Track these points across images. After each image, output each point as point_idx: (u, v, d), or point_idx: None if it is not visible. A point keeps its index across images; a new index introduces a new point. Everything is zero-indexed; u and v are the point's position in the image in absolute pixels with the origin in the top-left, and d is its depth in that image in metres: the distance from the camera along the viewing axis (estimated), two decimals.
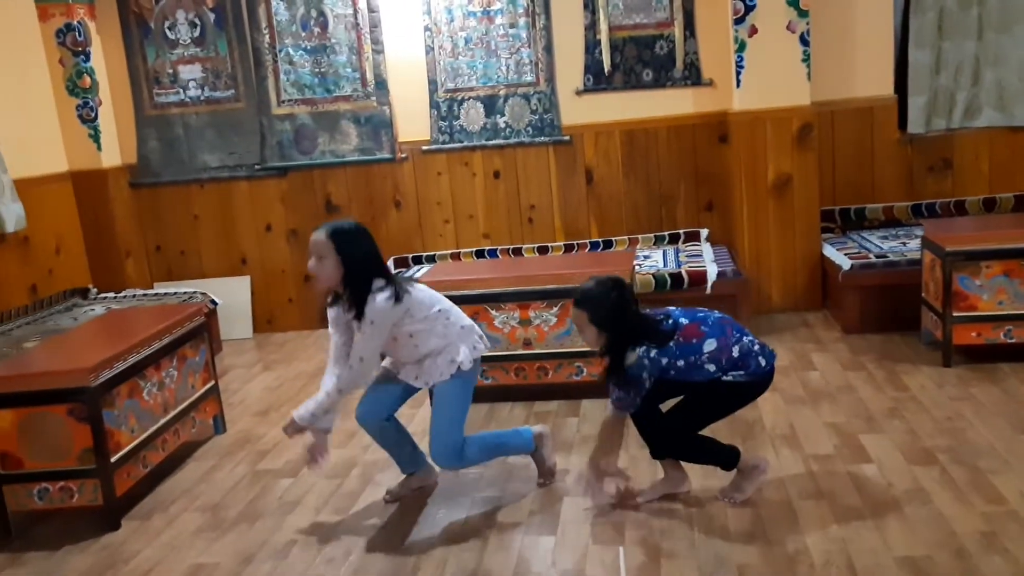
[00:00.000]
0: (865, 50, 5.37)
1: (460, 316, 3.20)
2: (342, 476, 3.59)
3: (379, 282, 2.99)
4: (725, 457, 3.09)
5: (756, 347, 2.99)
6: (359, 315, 2.98)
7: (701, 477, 3.25)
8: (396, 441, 3.34)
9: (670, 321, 2.95)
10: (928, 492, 3.02)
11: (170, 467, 3.78)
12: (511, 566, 2.80)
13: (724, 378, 2.94)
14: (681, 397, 3.07)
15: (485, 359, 4.11)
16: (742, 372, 2.95)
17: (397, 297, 2.99)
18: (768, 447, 3.47)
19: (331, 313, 3.14)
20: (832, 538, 2.78)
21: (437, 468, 3.37)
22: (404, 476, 3.40)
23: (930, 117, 5.38)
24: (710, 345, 2.91)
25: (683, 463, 3.17)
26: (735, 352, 2.94)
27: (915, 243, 4.85)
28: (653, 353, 2.88)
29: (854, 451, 3.39)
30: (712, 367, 2.92)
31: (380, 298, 2.95)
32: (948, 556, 2.63)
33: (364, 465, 3.68)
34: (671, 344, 2.90)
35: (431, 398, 3.25)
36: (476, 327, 3.23)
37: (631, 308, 2.95)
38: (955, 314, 4.14)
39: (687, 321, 2.95)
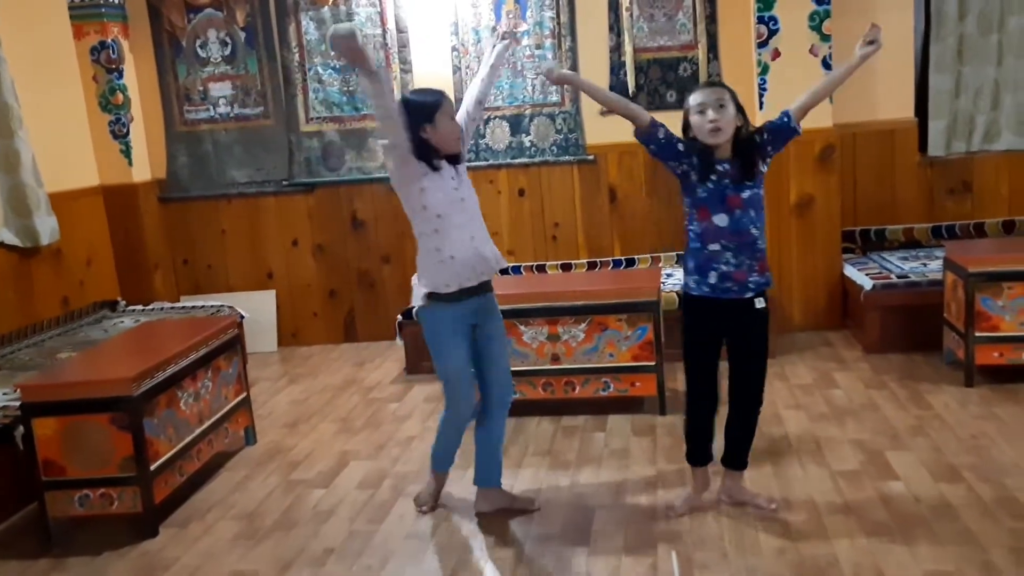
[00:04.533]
0: (886, 74, 5.44)
1: None
2: (374, 487, 3.65)
3: None
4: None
5: (702, 267, 3.00)
6: None
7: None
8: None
9: None
10: (955, 508, 3.06)
11: (204, 477, 3.84)
12: (547, 575, 2.85)
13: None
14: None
15: (513, 373, 4.18)
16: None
17: None
18: (795, 463, 3.52)
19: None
20: (861, 551, 2.83)
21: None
22: (435, 478, 3.43)
23: (950, 140, 5.45)
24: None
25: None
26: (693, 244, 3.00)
27: (936, 264, 4.90)
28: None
29: (880, 468, 3.43)
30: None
31: None
32: (977, 571, 2.67)
33: (395, 477, 3.74)
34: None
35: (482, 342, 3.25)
36: None
37: None
38: (977, 334, 4.18)
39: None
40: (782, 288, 5.32)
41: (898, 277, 4.89)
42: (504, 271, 5.62)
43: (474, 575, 2.90)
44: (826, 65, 5.10)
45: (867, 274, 4.98)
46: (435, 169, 3.09)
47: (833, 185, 5.24)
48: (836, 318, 5.36)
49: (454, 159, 3.18)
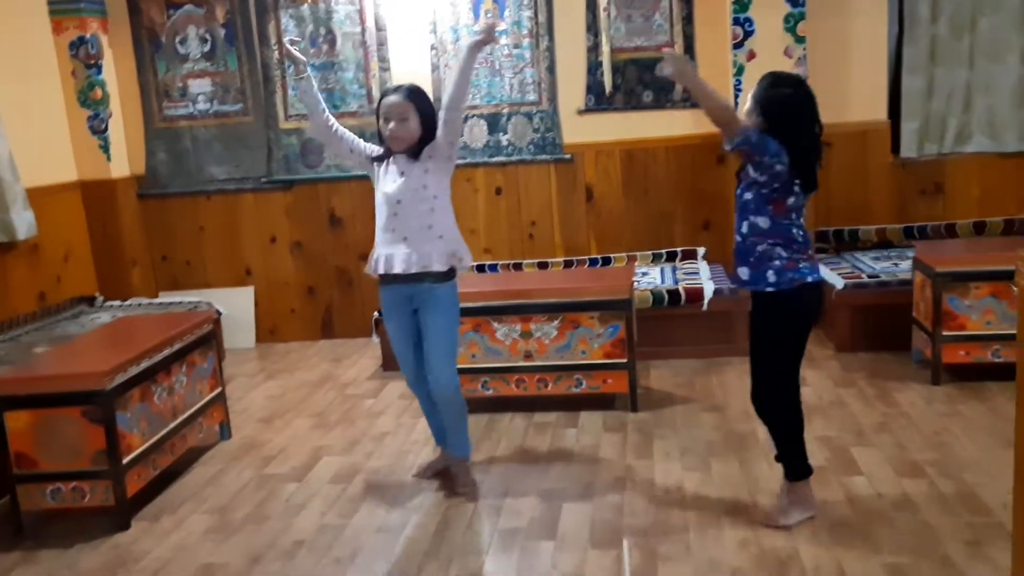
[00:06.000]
0: (860, 76, 5.51)
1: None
2: (346, 482, 3.68)
3: None
4: (801, 461, 3.06)
5: (801, 265, 2.98)
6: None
7: (696, 487, 3.35)
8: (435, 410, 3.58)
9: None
10: (916, 503, 3.12)
11: (178, 471, 3.86)
12: (513, 568, 2.90)
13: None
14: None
15: (486, 370, 4.27)
16: (747, 270, 3.01)
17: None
18: (761, 460, 3.56)
19: (368, 150, 3.45)
20: (822, 545, 2.88)
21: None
22: (438, 452, 3.70)
23: (922, 142, 5.52)
24: (764, 222, 2.94)
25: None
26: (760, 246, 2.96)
27: (907, 264, 4.97)
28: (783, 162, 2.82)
29: (845, 464, 3.49)
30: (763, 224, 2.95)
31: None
32: (933, 564, 2.73)
33: (368, 472, 3.77)
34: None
35: (423, 334, 3.39)
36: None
37: (807, 114, 2.89)
38: (944, 333, 4.25)
39: (790, 201, 2.92)
40: None
41: (869, 277, 4.96)
42: (480, 268, 5.67)
43: (441, 567, 2.94)
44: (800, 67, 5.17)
45: (839, 274, 5.05)
46: (381, 161, 3.39)
47: None
48: None
49: (414, 154, 3.33)
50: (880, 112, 5.57)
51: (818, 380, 4.51)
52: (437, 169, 3.32)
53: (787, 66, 5.15)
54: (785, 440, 3.08)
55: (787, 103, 2.89)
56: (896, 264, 5.16)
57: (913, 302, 4.60)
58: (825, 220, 5.63)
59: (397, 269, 3.28)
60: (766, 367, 3.05)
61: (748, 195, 2.95)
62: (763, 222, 2.93)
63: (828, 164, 5.55)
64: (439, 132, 3.31)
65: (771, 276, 2.95)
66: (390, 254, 3.30)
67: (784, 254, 2.94)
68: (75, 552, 3.22)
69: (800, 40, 5.16)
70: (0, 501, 3.56)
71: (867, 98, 5.54)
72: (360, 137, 3.53)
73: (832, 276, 5.06)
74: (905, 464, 3.45)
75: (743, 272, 3.01)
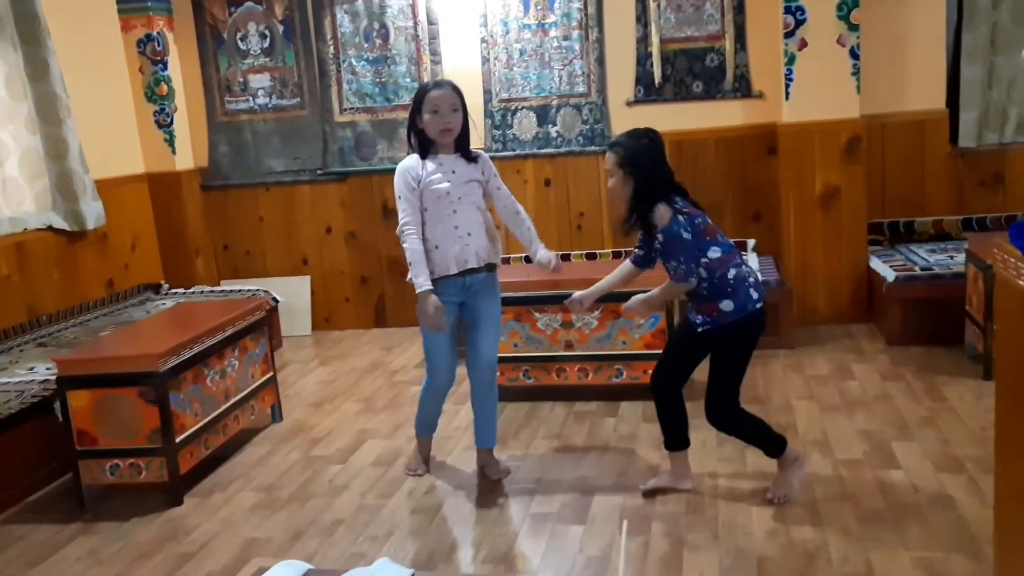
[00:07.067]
0: (917, 64, 5.39)
1: None
2: (387, 464, 3.79)
3: None
4: (772, 442, 3.17)
5: (751, 279, 3.07)
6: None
7: (730, 479, 3.37)
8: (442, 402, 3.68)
9: (698, 214, 3.07)
10: (953, 498, 3.09)
11: (230, 450, 4.03)
12: (540, 551, 2.96)
13: (721, 305, 3.02)
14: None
15: (527, 359, 4.33)
16: (731, 301, 3.01)
17: None
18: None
19: (418, 170, 3.35)
20: (852, 537, 2.88)
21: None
22: (420, 444, 3.73)
23: (982, 131, 5.38)
24: (715, 252, 3.01)
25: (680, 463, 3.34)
26: (731, 274, 3.02)
27: (962, 257, 4.86)
28: (684, 213, 3.01)
29: (884, 457, 3.46)
30: (704, 274, 3.00)
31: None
32: (964, 558, 2.71)
33: (409, 456, 3.86)
34: (692, 223, 3.01)
35: (471, 320, 3.49)
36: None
37: (663, 159, 3.11)
38: (996, 327, 4.15)
39: (709, 223, 3.08)
40: (806, 280, 5.33)
41: (922, 269, 4.87)
42: (528, 259, 5.72)
43: (472, 547, 3.03)
44: (853, 55, 5.09)
45: (891, 266, 4.96)
46: (424, 157, 3.35)
47: (859, 176, 5.22)
48: (862, 311, 5.34)
49: (466, 152, 3.40)
50: (938, 101, 5.44)
51: (865, 374, 4.46)
52: (485, 179, 3.43)
53: (841, 55, 5.09)
54: (753, 432, 3.19)
55: (648, 150, 3.07)
56: (952, 256, 5.04)
57: (966, 295, 4.50)
58: (879, 212, 5.53)
59: (472, 264, 3.36)
60: (733, 384, 3.15)
61: (682, 256, 3.03)
62: (713, 252, 3.01)
63: (884, 154, 5.53)
64: (501, 199, 3.49)
65: (753, 293, 3.06)
66: (459, 250, 3.34)
67: (743, 268, 3.06)
68: (131, 525, 3.40)
69: (853, 28, 5.07)
70: (63, 478, 3.77)
71: (924, 87, 5.42)
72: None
73: (883, 268, 4.99)
74: (946, 459, 3.40)
75: (727, 305, 3.03)
